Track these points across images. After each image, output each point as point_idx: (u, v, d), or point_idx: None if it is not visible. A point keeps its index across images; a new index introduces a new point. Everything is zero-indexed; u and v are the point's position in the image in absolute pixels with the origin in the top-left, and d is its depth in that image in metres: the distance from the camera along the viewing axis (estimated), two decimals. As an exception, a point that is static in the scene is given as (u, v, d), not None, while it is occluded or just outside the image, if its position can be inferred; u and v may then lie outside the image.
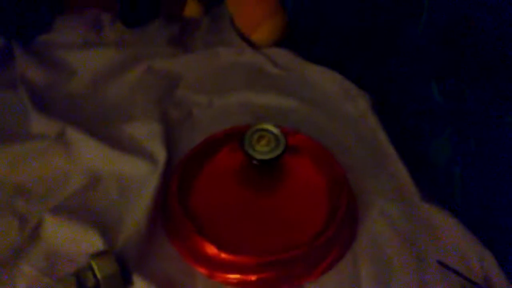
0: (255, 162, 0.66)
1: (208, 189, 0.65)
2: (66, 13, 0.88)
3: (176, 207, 0.61)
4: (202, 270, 0.57)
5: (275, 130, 0.67)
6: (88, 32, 0.87)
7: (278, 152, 0.65)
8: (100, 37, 0.87)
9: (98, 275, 0.52)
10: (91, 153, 0.67)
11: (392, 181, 0.66)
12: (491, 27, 0.55)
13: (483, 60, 0.56)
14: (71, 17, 0.88)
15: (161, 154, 0.67)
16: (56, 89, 0.78)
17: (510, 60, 0.53)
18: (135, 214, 0.60)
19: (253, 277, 0.56)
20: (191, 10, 0.93)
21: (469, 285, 0.56)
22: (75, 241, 0.58)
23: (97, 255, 0.53)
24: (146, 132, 0.70)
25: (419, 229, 0.61)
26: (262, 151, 0.65)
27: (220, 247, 0.57)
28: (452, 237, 0.60)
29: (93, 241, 0.57)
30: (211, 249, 0.57)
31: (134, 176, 0.66)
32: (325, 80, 0.79)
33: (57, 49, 0.84)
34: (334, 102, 0.77)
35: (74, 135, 0.68)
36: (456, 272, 0.57)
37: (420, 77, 0.65)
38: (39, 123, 0.70)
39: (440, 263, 0.57)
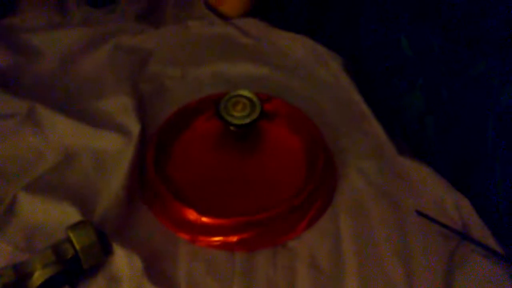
0: (232, 128, 0.66)
1: (185, 157, 0.64)
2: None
3: (154, 176, 0.60)
4: (184, 236, 0.57)
5: (250, 95, 0.67)
6: (53, 14, 0.85)
7: (254, 116, 0.65)
8: (65, 18, 0.85)
9: (76, 246, 0.51)
10: (63, 130, 0.66)
11: (368, 139, 0.67)
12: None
13: (449, 11, 0.57)
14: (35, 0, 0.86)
15: (134, 127, 0.66)
16: (24, 71, 0.76)
17: (470, 9, 0.53)
18: (112, 186, 0.60)
19: (234, 238, 0.56)
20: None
21: (447, 232, 0.57)
22: (51, 215, 0.57)
23: (74, 226, 0.52)
24: (118, 106, 0.69)
25: (396, 182, 0.62)
26: (238, 116, 0.65)
27: (201, 211, 0.57)
28: (429, 187, 0.61)
29: (70, 214, 0.56)
30: (192, 214, 0.57)
31: (108, 150, 0.65)
32: (296, 46, 0.79)
33: (22, 32, 0.82)
34: (306, 67, 0.77)
35: (45, 113, 0.67)
36: (434, 220, 0.58)
37: (390, 33, 0.66)
38: (7, 104, 0.68)
39: (419, 212, 0.58)
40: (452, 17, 0.57)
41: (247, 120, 0.65)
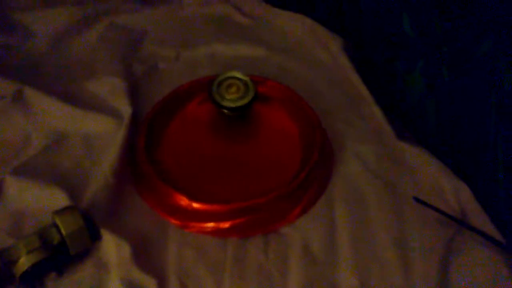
0: (225, 111, 0.64)
1: (177, 141, 0.63)
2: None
3: (144, 160, 0.58)
4: (175, 222, 0.56)
5: (243, 77, 0.64)
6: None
7: (248, 98, 0.63)
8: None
9: (63, 231, 0.50)
10: (52, 112, 0.64)
11: (366, 123, 0.65)
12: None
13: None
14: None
15: (126, 110, 0.64)
16: (13, 51, 0.74)
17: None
18: (102, 170, 0.58)
19: (227, 225, 0.55)
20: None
21: (445, 219, 0.55)
22: (39, 200, 0.56)
23: (61, 211, 0.51)
24: (110, 88, 0.68)
25: (394, 167, 0.61)
26: (231, 99, 0.63)
27: (192, 197, 0.55)
28: (427, 173, 0.59)
29: (58, 199, 0.55)
30: (183, 200, 0.55)
31: (99, 133, 0.63)
32: (295, 26, 0.76)
33: (14, 11, 0.80)
34: (305, 47, 0.74)
35: (34, 94, 0.65)
36: (432, 207, 0.56)
37: (391, 12, 0.63)
38: (-5, 85, 0.67)
39: (416, 199, 0.57)
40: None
41: (240, 103, 0.62)
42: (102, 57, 0.73)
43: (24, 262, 0.48)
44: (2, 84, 0.66)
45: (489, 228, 0.55)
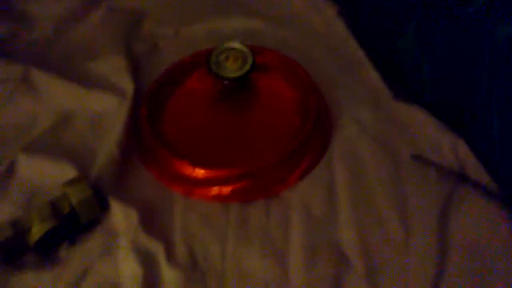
0: (224, 82, 0.65)
1: (180, 113, 0.64)
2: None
3: (148, 131, 0.60)
4: (178, 190, 0.58)
5: (241, 47, 0.65)
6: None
7: (246, 68, 0.64)
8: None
9: (72, 201, 0.52)
10: (58, 93, 0.66)
11: (364, 87, 0.66)
12: None
13: None
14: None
15: (128, 86, 0.66)
16: (18, 38, 0.76)
17: None
18: (108, 144, 0.60)
19: (228, 189, 0.56)
20: None
21: (443, 176, 0.56)
22: (50, 175, 0.58)
23: (69, 182, 0.53)
24: (112, 67, 0.69)
25: (391, 128, 0.61)
26: (230, 69, 0.64)
27: (194, 163, 0.57)
28: (425, 131, 0.60)
29: (67, 173, 0.57)
30: (186, 167, 0.57)
31: (104, 111, 0.65)
32: (290, -5, 0.77)
33: (18, 0, 0.82)
34: (301, 16, 0.75)
35: (39, 76, 0.67)
36: (429, 162, 0.56)
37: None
38: (1, 69, 0.69)
39: (414, 156, 0.57)
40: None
41: (239, 73, 0.64)
42: (103, 39, 0.75)
43: (37, 230, 0.50)
44: (9, 69, 0.69)
45: (487, 181, 0.55)
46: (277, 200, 0.57)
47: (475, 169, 0.56)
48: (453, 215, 0.54)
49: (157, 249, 0.53)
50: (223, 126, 0.63)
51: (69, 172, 0.58)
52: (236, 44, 0.65)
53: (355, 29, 0.71)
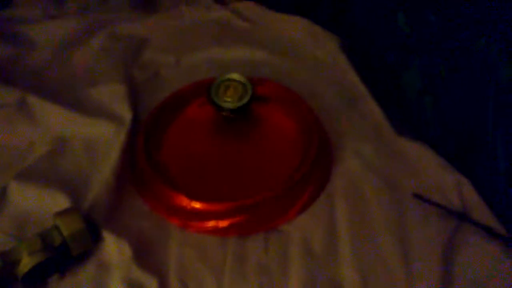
0: (224, 113, 0.64)
1: (177, 143, 0.63)
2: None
3: (144, 161, 0.59)
4: (175, 222, 0.56)
5: (241, 78, 0.65)
6: (48, 5, 0.84)
7: (246, 99, 0.63)
8: (61, 9, 0.85)
9: (64, 232, 0.50)
10: (55, 118, 0.66)
11: (366, 121, 0.65)
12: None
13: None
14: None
15: (127, 114, 0.65)
16: (17, 62, 0.76)
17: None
18: (103, 173, 0.59)
19: (226, 223, 0.55)
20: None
21: (447, 214, 0.55)
22: (43, 203, 0.57)
23: (62, 212, 0.52)
24: (111, 94, 0.69)
25: (394, 164, 0.60)
26: (229, 100, 0.64)
27: (191, 196, 0.55)
28: (428, 168, 0.59)
29: (61, 202, 0.56)
30: (182, 199, 0.56)
31: (100, 138, 0.64)
32: (293, 28, 0.77)
33: (18, 23, 0.82)
34: (303, 49, 0.75)
35: (37, 102, 0.67)
36: (431, 202, 0.55)
37: (387, 10, 0.63)
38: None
39: (415, 195, 0.56)
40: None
41: (238, 104, 0.63)
42: (104, 65, 0.75)
43: (26, 263, 0.48)
44: (7, 93, 0.68)
45: (491, 221, 0.54)
46: (277, 234, 0.55)
47: (479, 209, 0.55)
48: (456, 256, 0.52)
49: (151, 284, 0.51)
50: (222, 157, 0.62)
51: (62, 200, 0.56)
52: (236, 76, 0.65)
53: (357, 62, 0.71)
